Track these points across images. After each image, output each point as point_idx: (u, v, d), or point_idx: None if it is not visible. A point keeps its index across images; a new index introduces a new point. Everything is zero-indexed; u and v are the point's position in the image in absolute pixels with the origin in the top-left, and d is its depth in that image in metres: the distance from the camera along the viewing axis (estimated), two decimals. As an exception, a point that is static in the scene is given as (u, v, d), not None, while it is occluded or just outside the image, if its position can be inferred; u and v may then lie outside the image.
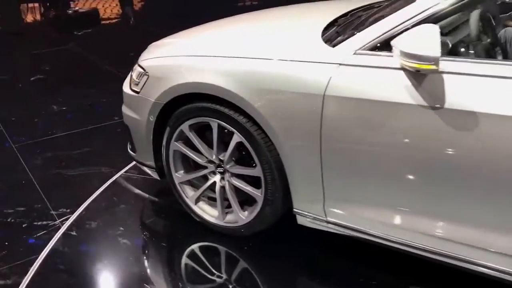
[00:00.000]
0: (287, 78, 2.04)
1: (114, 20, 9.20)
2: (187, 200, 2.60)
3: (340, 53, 1.96)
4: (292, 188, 2.19)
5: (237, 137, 2.26)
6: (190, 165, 2.61)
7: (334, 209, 2.13)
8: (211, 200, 2.62)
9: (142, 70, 2.55)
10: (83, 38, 7.56)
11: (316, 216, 2.19)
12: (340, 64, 1.94)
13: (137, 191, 3.04)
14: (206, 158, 2.45)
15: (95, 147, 3.64)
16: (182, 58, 2.39)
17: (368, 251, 2.30)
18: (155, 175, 2.73)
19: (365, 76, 1.89)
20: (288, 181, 2.18)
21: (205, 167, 2.49)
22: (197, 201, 2.59)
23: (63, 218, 2.76)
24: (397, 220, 1.98)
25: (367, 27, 2.02)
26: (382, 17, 2.07)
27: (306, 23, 2.54)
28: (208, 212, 2.57)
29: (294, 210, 2.25)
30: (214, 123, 2.31)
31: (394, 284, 2.18)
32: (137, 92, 2.58)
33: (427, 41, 1.64)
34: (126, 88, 2.73)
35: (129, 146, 2.89)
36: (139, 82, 2.57)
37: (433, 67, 1.62)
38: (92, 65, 5.99)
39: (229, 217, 2.51)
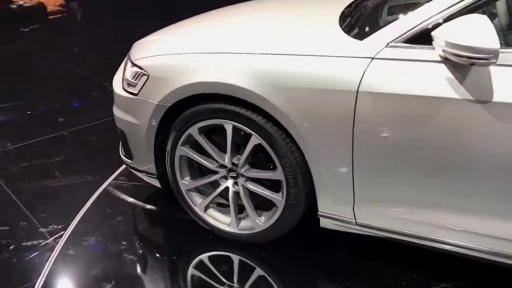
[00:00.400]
0: (315, 74, 1.91)
1: (61, 14, 8.65)
2: (195, 208, 2.43)
3: (371, 46, 1.85)
4: (319, 190, 2.07)
5: (255, 139, 2.11)
6: (196, 171, 2.44)
7: (364, 210, 2.03)
8: (221, 207, 2.46)
9: (139, 70, 2.34)
10: (31, 35, 7.05)
11: (343, 218, 2.09)
12: (373, 58, 1.83)
13: (132, 199, 2.82)
14: (217, 162, 2.29)
15: (73, 154, 3.35)
16: (190, 56, 2.20)
17: (393, 251, 2.24)
18: (155, 183, 2.53)
19: (401, 70, 1.79)
20: (313, 184, 2.07)
21: (216, 172, 2.33)
22: (206, 208, 2.43)
23: (56, 236, 2.50)
24: (435, 218, 1.91)
25: (392, 18, 1.93)
26: (405, 7, 1.98)
27: (314, 14, 2.41)
28: (220, 220, 2.42)
29: (319, 213, 2.14)
30: (229, 125, 2.15)
31: (425, 282, 2.13)
32: (135, 94, 2.36)
33: (482, 32, 1.56)
34: (118, 89, 2.51)
35: (122, 152, 2.67)
36: (136, 83, 2.35)
37: (493, 59, 1.54)
38: (47, 63, 5.57)
39: (243, 223, 2.37)
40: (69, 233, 2.52)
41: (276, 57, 1.99)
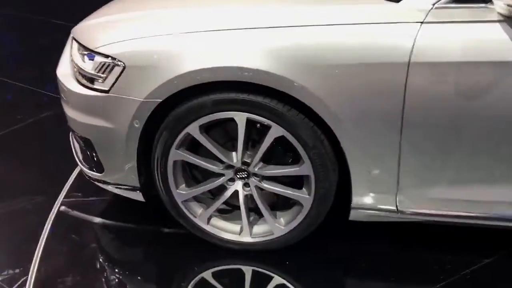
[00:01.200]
0: (354, 47, 1.60)
1: None
2: (196, 221, 2.02)
3: (415, 9, 1.59)
4: (355, 180, 1.79)
5: (275, 131, 1.76)
6: (190, 178, 2.03)
7: (408, 197, 1.80)
8: (223, 213, 2.08)
9: (106, 60, 1.83)
10: None
11: (383, 207, 1.84)
12: (422, 22, 1.57)
13: (99, 219, 2.30)
14: (222, 164, 1.91)
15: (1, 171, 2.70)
16: (184, 37, 1.74)
17: (424, 238, 2.07)
18: (136, 196, 2.06)
19: (456, 34, 1.56)
20: (350, 174, 1.78)
21: (220, 175, 1.94)
22: (209, 219, 2.04)
23: (16, 285, 1.94)
24: (491, 194, 1.74)
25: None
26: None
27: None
28: (227, 229, 2.04)
29: (353, 205, 1.87)
30: (241, 117, 1.76)
31: (468, 261, 1.96)
32: (105, 91, 1.86)
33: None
34: (72, 86, 1.97)
35: (84, 165, 2.15)
36: (104, 76, 1.85)
37: None
38: None
39: (257, 229, 2.02)
40: (33, 279, 1.96)
41: (305, 29, 1.64)
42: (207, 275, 2.02)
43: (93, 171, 2.10)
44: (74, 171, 2.57)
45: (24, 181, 2.57)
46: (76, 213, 2.35)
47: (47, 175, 2.61)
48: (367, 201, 1.85)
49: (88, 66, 1.91)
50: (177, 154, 1.88)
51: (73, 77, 2.01)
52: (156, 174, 1.95)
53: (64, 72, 2.09)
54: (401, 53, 1.56)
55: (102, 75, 1.86)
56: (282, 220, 1.97)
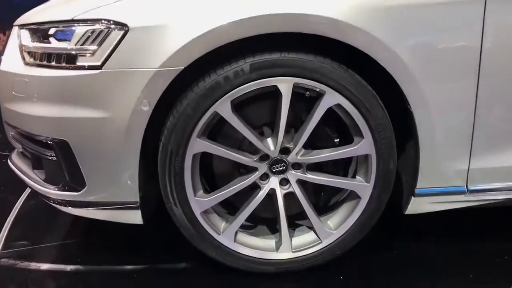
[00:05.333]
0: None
1: None
2: (220, 238, 1.52)
3: None
4: (424, 158, 1.48)
5: (330, 100, 1.41)
6: (203, 183, 1.56)
7: (480, 171, 1.53)
8: (246, 229, 1.62)
9: (97, 27, 1.37)
10: None
11: (453, 188, 1.55)
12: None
13: (71, 266, 1.66)
14: (256, 154, 1.49)
15: None
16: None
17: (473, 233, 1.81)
18: (132, 217, 1.51)
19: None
20: (418, 149, 1.48)
21: (253, 171, 1.51)
22: (235, 235, 1.55)
23: None
24: None
25: None
26: None
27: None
28: (260, 247, 1.57)
29: (418, 191, 1.55)
30: (287, 84, 1.39)
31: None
32: (96, 68, 1.38)
33: None
34: (36, 72, 1.45)
35: (48, 187, 1.55)
36: (94, 49, 1.37)
37: None
38: None
39: (297, 241, 1.58)
40: None
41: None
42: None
43: (66, 190, 1.52)
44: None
45: None
46: (24, 263, 1.69)
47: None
48: (434, 183, 1.54)
49: (62, 44, 1.43)
50: (199, 144, 1.42)
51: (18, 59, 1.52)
52: (166, 178, 1.45)
53: (12, 63, 1.56)
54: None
55: (90, 48, 1.39)
56: (329, 223, 1.58)
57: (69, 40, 1.42)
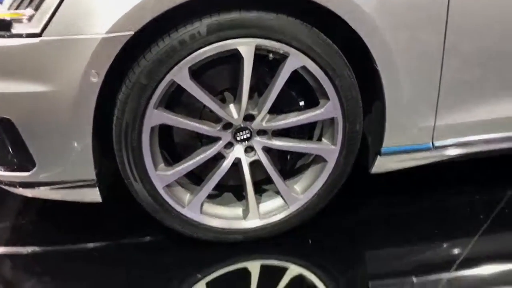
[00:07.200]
0: None
1: None
2: (185, 212, 1.46)
3: None
4: (391, 117, 1.45)
5: (294, 62, 1.33)
6: (163, 155, 1.47)
7: (444, 127, 1.52)
8: (212, 199, 1.56)
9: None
10: None
11: (419, 146, 1.54)
12: None
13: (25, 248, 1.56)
14: (218, 123, 1.40)
15: None
16: None
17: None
18: (92, 196, 1.42)
19: None
20: (384, 108, 1.44)
21: (216, 140, 1.43)
22: (201, 207, 1.49)
23: None
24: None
25: None
26: None
27: None
28: (227, 216, 1.52)
29: (384, 150, 1.52)
30: (249, 46, 1.30)
31: (496, 197, 1.75)
32: (35, 35, 1.23)
33: None
34: None
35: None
36: (31, 14, 1.22)
37: None
38: None
39: (264, 208, 1.54)
40: None
41: None
42: (203, 284, 1.46)
43: (12, 171, 1.40)
44: None
45: None
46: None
47: None
48: (401, 141, 1.52)
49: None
50: (157, 116, 1.32)
51: None
52: (124, 154, 1.35)
53: None
54: None
55: (25, 13, 1.23)
56: (296, 188, 1.54)
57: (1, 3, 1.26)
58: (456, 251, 1.55)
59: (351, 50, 1.39)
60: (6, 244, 1.63)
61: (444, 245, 1.59)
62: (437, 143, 1.55)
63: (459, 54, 1.41)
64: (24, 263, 1.56)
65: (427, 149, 1.56)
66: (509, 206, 1.70)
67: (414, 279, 1.48)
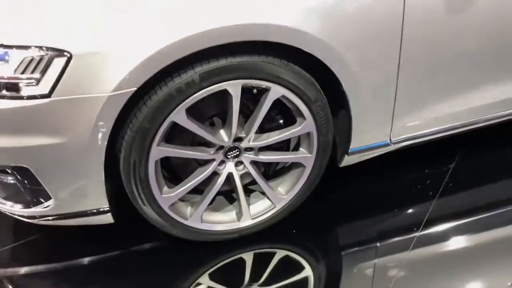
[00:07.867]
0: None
1: None
2: (188, 223, 1.69)
3: None
4: (356, 124, 1.70)
5: (275, 93, 1.53)
6: (165, 177, 1.67)
7: (400, 127, 1.80)
8: (208, 205, 1.78)
9: (37, 53, 1.32)
10: None
11: (378, 144, 1.82)
12: None
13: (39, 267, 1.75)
14: (211, 147, 1.61)
15: None
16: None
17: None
18: (105, 220, 1.62)
19: None
20: (351, 120, 1.68)
21: (211, 161, 1.64)
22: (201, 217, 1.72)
23: None
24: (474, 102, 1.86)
25: None
26: None
27: None
28: (223, 220, 1.76)
29: (351, 150, 1.79)
30: (236, 87, 1.48)
31: (440, 171, 2.09)
32: (45, 96, 1.35)
33: None
34: None
35: (11, 206, 1.58)
36: (39, 77, 1.34)
37: None
38: None
39: (254, 209, 1.79)
40: None
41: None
42: (207, 276, 1.73)
43: (30, 207, 1.57)
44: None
45: None
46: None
47: None
48: (364, 142, 1.79)
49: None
50: (159, 152, 1.51)
51: None
52: (133, 185, 1.54)
53: None
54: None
55: (33, 76, 1.35)
56: (280, 189, 1.79)
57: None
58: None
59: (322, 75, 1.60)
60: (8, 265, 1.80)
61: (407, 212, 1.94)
62: (394, 140, 1.84)
63: (411, 73, 1.66)
64: (38, 277, 1.75)
65: (386, 145, 1.84)
66: (451, 179, 2.06)
67: (378, 244, 1.84)
